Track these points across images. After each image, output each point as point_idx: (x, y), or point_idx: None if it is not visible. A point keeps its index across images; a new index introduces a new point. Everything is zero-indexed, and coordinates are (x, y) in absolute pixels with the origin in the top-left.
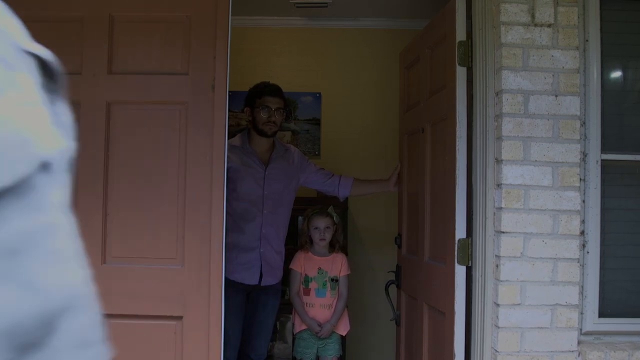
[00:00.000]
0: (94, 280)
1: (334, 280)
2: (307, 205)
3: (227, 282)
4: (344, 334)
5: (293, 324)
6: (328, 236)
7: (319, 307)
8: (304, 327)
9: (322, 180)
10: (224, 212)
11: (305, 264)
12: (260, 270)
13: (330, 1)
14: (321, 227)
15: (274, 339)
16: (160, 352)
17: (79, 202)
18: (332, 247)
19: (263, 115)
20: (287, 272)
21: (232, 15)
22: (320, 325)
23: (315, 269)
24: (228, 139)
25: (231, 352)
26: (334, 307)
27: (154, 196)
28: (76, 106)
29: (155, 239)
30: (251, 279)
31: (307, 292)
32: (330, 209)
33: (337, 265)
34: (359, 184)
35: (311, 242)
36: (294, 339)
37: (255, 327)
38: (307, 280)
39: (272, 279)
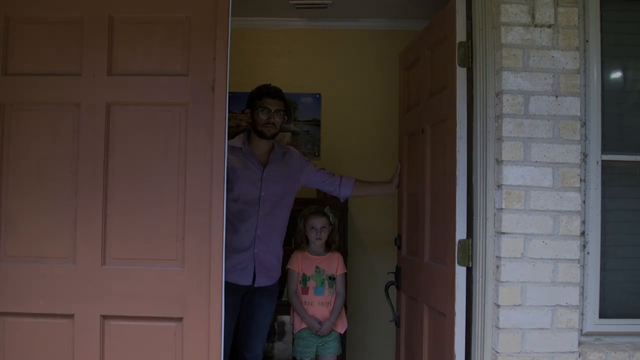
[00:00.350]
0: (95, 281)
1: (332, 278)
2: (306, 206)
3: None
4: (342, 332)
5: (292, 324)
6: (324, 236)
7: (318, 305)
8: (303, 326)
9: (323, 180)
10: (224, 213)
11: (302, 263)
12: (254, 271)
13: (330, 2)
14: (317, 227)
15: (273, 339)
16: (160, 353)
17: (79, 202)
18: (329, 246)
19: (262, 117)
20: (284, 273)
21: (232, 16)
22: (320, 323)
23: (313, 268)
24: (228, 139)
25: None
26: (332, 305)
27: (154, 197)
28: (76, 107)
29: (155, 240)
30: (244, 279)
31: (305, 290)
32: (327, 209)
33: (334, 264)
34: (360, 184)
35: (307, 241)
36: (293, 339)
37: (251, 328)
38: (305, 279)
39: (266, 280)
